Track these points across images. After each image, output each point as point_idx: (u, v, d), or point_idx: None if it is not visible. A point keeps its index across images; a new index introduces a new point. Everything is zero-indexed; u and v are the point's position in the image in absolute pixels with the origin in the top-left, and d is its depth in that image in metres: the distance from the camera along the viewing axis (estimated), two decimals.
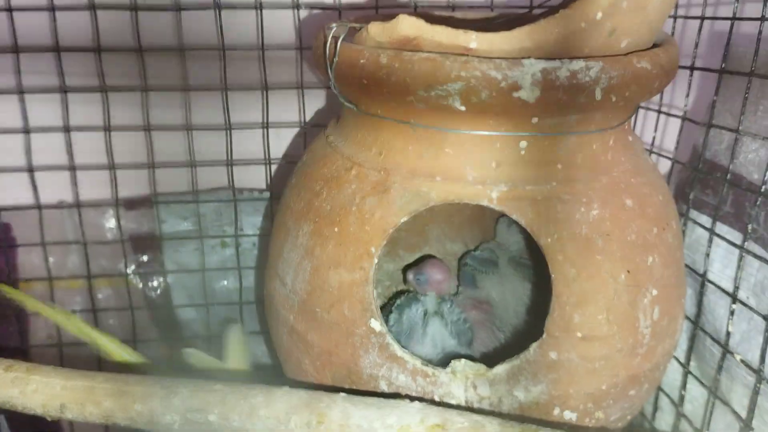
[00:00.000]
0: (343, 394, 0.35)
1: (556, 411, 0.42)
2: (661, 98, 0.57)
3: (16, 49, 0.56)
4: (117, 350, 0.52)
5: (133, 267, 0.63)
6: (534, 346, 0.41)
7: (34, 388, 0.38)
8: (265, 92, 0.59)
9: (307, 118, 0.63)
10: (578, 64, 0.37)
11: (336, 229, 0.43)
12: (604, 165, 0.43)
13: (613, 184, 0.42)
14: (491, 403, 0.41)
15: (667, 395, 0.56)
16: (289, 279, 0.45)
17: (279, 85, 0.59)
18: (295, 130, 0.64)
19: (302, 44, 0.58)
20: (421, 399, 0.40)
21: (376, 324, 0.41)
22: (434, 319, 0.49)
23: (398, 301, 0.51)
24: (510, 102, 0.37)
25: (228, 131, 0.59)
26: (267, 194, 0.64)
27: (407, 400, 0.35)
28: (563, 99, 0.37)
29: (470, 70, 0.37)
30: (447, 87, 0.37)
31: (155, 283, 0.64)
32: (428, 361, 0.42)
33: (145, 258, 0.64)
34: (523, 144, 0.40)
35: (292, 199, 0.47)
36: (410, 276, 0.54)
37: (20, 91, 0.57)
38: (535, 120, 0.39)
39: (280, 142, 0.64)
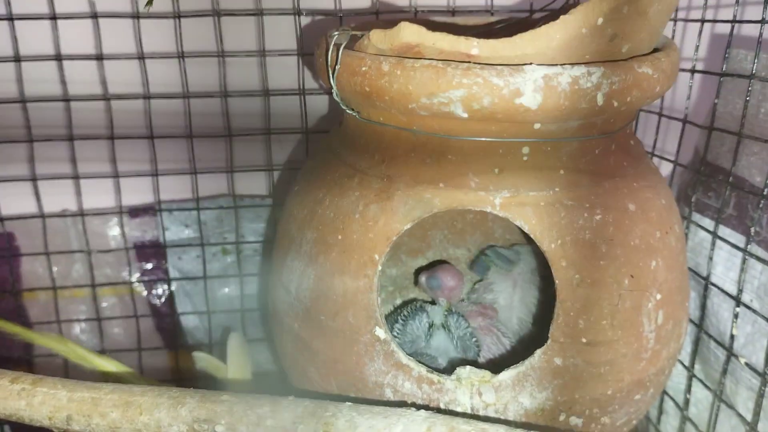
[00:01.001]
0: (348, 403, 0.35)
1: (562, 417, 0.42)
2: (662, 101, 0.57)
3: (18, 58, 0.56)
4: (116, 369, 0.52)
5: (137, 275, 0.64)
6: (539, 352, 0.41)
7: (40, 400, 0.38)
8: (266, 98, 0.59)
9: (309, 125, 0.63)
10: (580, 70, 0.37)
11: (339, 237, 0.43)
12: (607, 170, 0.43)
13: (615, 188, 0.42)
14: (497, 409, 0.41)
15: (672, 399, 0.56)
16: (293, 287, 0.45)
17: (280, 91, 0.59)
18: (297, 136, 0.64)
19: (303, 50, 0.58)
20: (426, 407, 0.40)
21: (381, 332, 0.41)
22: (439, 331, 0.49)
23: (404, 312, 0.51)
24: (512, 108, 0.37)
25: (229, 138, 0.59)
26: (269, 201, 0.64)
27: (413, 409, 0.35)
28: (565, 105, 0.38)
29: (472, 77, 0.37)
30: (449, 94, 0.37)
31: (159, 291, 0.64)
32: (433, 369, 0.42)
33: (149, 266, 0.64)
34: (526, 150, 0.40)
35: (295, 207, 0.47)
36: (422, 279, 0.54)
37: (23, 100, 0.57)
38: (537, 126, 0.39)
39: (282, 148, 0.64)
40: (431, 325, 0.50)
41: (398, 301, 0.63)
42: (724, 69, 0.49)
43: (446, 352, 0.48)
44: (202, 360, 0.55)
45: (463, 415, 0.40)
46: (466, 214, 0.63)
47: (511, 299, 0.55)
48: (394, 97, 0.39)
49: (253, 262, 0.65)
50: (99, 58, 0.56)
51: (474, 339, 0.49)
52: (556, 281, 0.40)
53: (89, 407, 0.37)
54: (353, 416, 0.34)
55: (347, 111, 0.43)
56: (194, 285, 0.64)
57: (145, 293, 0.64)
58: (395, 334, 0.49)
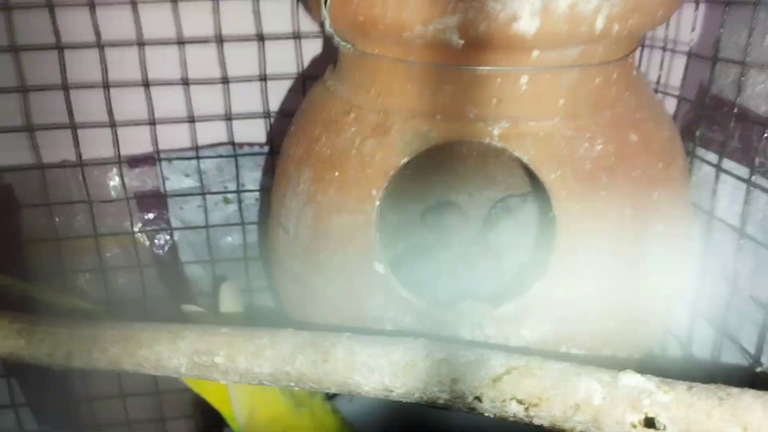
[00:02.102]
0: (347, 333, 0.35)
1: (563, 349, 0.42)
2: (667, 34, 0.56)
3: (7, 6, 0.55)
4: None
5: (139, 225, 0.63)
6: (539, 284, 0.41)
7: (40, 338, 0.38)
8: (261, 43, 0.58)
9: (306, 70, 0.62)
10: None
11: (337, 174, 0.42)
12: (608, 99, 0.42)
13: (617, 118, 0.42)
14: (498, 342, 0.41)
15: (675, 336, 0.56)
16: (292, 226, 0.45)
17: (275, 36, 0.58)
18: (294, 83, 0.63)
19: None
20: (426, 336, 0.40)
21: (380, 267, 0.41)
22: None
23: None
24: (509, 34, 0.36)
25: (226, 84, 0.58)
26: (267, 149, 0.63)
27: (412, 337, 0.35)
28: (564, 30, 0.37)
29: (468, 1, 0.36)
30: (444, 20, 0.36)
31: (162, 241, 0.64)
32: (434, 302, 0.41)
33: (150, 216, 0.64)
34: (524, 79, 0.39)
35: (292, 146, 0.47)
36: (429, 219, 0.53)
37: (14, 49, 0.56)
38: (535, 53, 0.38)
39: (279, 94, 0.63)
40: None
41: (400, 246, 0.63)
42: None
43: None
44: (192, 312, 0.55)
45: (464, 342, 0.40)
46: (466, 159, 0.62)
47: (511, 239, 0.55)
48: (388, 25, 0.38)
49: (255, 210, 0.65)
50: (91, 5, 0.55)
51: None
52: (556, 212, 0.40)
53: (89, 343, 0.37)
54: (352, 345, 0.34)
55: (341, 44, 0.42)
56: (197, 234, 0.64)
57: (147, 243, 0.64)
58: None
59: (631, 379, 0.30)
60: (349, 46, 0.42)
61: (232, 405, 0.48)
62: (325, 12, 0.40)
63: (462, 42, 0.37)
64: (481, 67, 0.39)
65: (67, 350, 0.37)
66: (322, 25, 0.42)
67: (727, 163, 0.49)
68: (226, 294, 0.56)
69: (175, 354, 0.36)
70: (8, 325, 0.38)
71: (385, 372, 0.33)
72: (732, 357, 0.51)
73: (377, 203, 0.41)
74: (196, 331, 0.36)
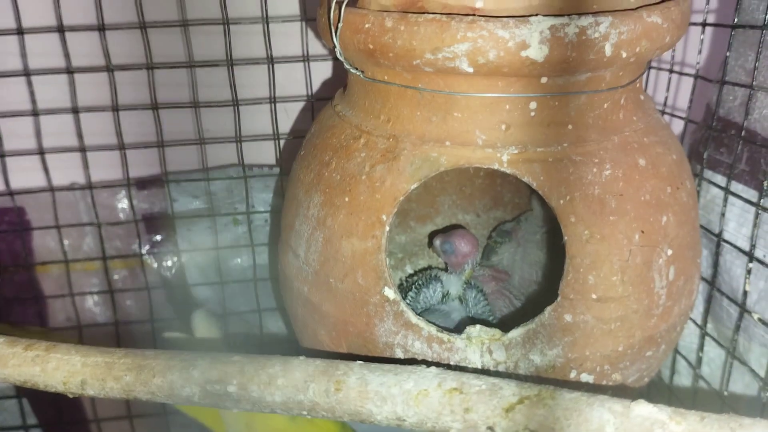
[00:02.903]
0: (359, 362, 0.35)
1: (573, 374, 0.42)
2: (673, 57, 0.56)
3: (20, 30, 0.56)
4: None
5: (147, 247, 0.64)
6: (549, 309, 0.41)
7: (54, 366, 0.38)
8: (271, 65, 0.58)
9: (315, 91, 0.62)
10: (587, 20, 0.36)
11: (347, 199, 0.42)
12: (616, 124, 0.42)
13: (625, 143, 0.42)
14: (507, 367, 0.41)
15: (685, 358, 0.56)
16: (302, 251, 0.45)
17: (285, 59, 0.58)
18: (303, 104, 0.63)
19: (306, 15, 0.58)
20: (437, 365, 0.40)
21: (390, 292, 0.41)
22: (454, 302, 0.49)
23: (418, 281, 0.51)
24: (518, 61, 0.37)
25: (235, 107, 0.59)
26: (277, 170, 0.64)
27: (424, 366, 0.35)
28: (573, 56, 0.37)
29: (477, 30, 0.36)
30: (454, 48, 0.37)
31: (170, 263, 0.65)
32: (443, 328, 0.42)
33: (158, 238, 0.64)
34: (533, 105, 0.40)
35: (302, 170, 0.47)
36: (437, 242, 0.52)
37: (27, 74, 0.57)
38: (544, 80, 0.39)
39: (289, 116, 0.64)
40: (445, 295, 0.50)
41: (408, 268, 0.63)
42: (735, 21, 0.48)
43: (458, 310, 0.48)
44: (174, 337, 0.55)
45: (474, 371, 0.40)
46: (474, 179, 0.63)
47: (513, 259, 0.55)
48: (398, 53, 0.38)
49: (264, 232, 0.65)
50: (101, 29, 0.56)
51: (489, 310, 0.49)
52: (566, 237, 0.40)
53: (103, 371, 0.37)
54: (364, 374, 0.34)
55: (351, 70, 0.43)
56: (205, 256, 0.64)
57: (155, 265, 0.64)
58: (408, 301, 0.49)
59: (643, 410, 0.30)
60: (359, 72, 0.42)
61: (225, 422, 0.48)
62: (335, 40, 0.41)
63: (471, 69, 0.37)
64: (490, 94, 0.39)
65: (81, 378, 0.37)
66: (333, 53, 0.43)
67: (735, 186, 0.49)
68: (198, 319, 0.57)
69: (187, 383, 0.36)
70: (23, 352, 0.39)
71: (397, 401, 0.33)
72: (741, 379, 0.51)
73: (387, 228, 0.41)
74: (208, 360, 0.36)
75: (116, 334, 0.64)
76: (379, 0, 0.39)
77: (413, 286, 0.52)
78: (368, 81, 0.42)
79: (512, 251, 0.56)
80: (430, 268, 0.58)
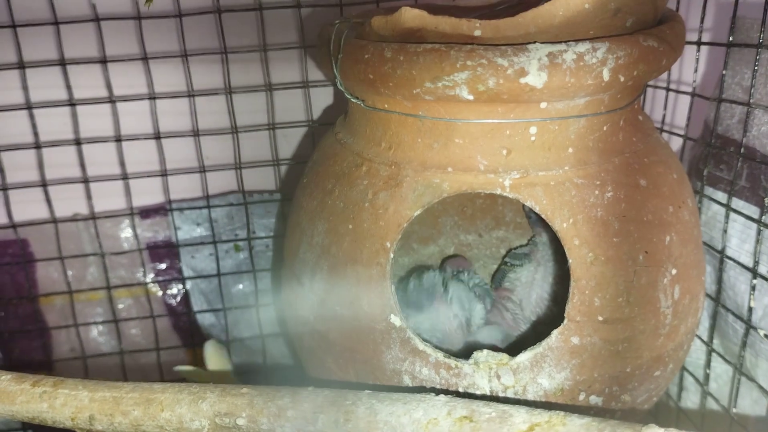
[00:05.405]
0: (368, 391, 0.35)
1: (582, 396, 0.42)
2: (669, 75, 0.57)
3: (22, 65, 0.56)
4: None
5: (151, 275, 0.64)
6: (556, 332, 0.41)
7: (62, 402, 0.38)
8: (269, 92, 0.59)
9: (315, 117, 0.63)
10: (584, 46, 0.37)
11: (350, 226, 0.43)
12: (616, 146, 0.42)
13: (626, 164, 0.42)
14: (516, 392, 0.41)
15: (692, 375, 0.56)
16: (307, 279, 0.45)
17: (284, 85, 0.59)
18: (303, 129, 0.64)
19: (305, 42, 0.58)
20: (445, 392, 0.40)
21: (396, 319, 0.41)
22: (454, 282, 0.49)
23: (414, 273, 0.52)
24: (518, 88, 0.37)
25: (235, 134, 0.59)
26: (278, 195, 0.64)
27: (432, 394, 0.35)
28: (571, 82, 0.37)
29: (476, 58, 0.36)
30: (453, 77, 0.37)
31: (174, 291, 0.65)
32: (451, 354, 0.42)
33: (162, 266, 0.64)
34: (533, 130, 0.40)
35: (305, 198, 0.47)
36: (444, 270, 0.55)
37: (29, 106, 0.57)
38: (543, 105, 0.39)
39: (288, 142, 0.64)
40: (444, 278, 0.51)
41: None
42: (730, 39, 0.49)
43: (468, 301, 0.49)
44: (185, 371, 0.56)
45: (483, 398, 0.40)
46: (475, 199, 0.63)
47: (532, 277, 0.55)
48: (398, 82, 0.39)
49: (266, 257, 0.65)
50: (102, 61, 0.57)
51: (487, 286, 0.50)
52: (570, 260, 0.40)
53: (111, 406, 0.37)
54: (373, 403, 0.34)
55: (352, 100, 0.43)
56: (209, 283, 0.64)
57: (160, 293, 0.64)
58: (412, 289, 0.50)
59: None
60: (359, 101, 0.43)
61: None
62: (336, 70, 0.41)
63: (472, 97, 0.38)
64: (490, 120, 0.40)
65: (89, 414, 0.37)
66: (333, 83, 0.43)
67: (736, 202, 0.50)
68: (210, 352, 0.57)
69: (197, 416, 0.36)
70: (31, 389, 0.39)
71: (406, 430, 0.33)
72: (749, 394, 0.51)
73: (391, 255, 0.41)
74: (217, 392, 0.36)
75: (122, 364, 0.64)
76: (378, 31, 0.40)
77: (411, 278, 0.53)
78: (369, 109, 0.43)
79: (532, 270, 0.56)
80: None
